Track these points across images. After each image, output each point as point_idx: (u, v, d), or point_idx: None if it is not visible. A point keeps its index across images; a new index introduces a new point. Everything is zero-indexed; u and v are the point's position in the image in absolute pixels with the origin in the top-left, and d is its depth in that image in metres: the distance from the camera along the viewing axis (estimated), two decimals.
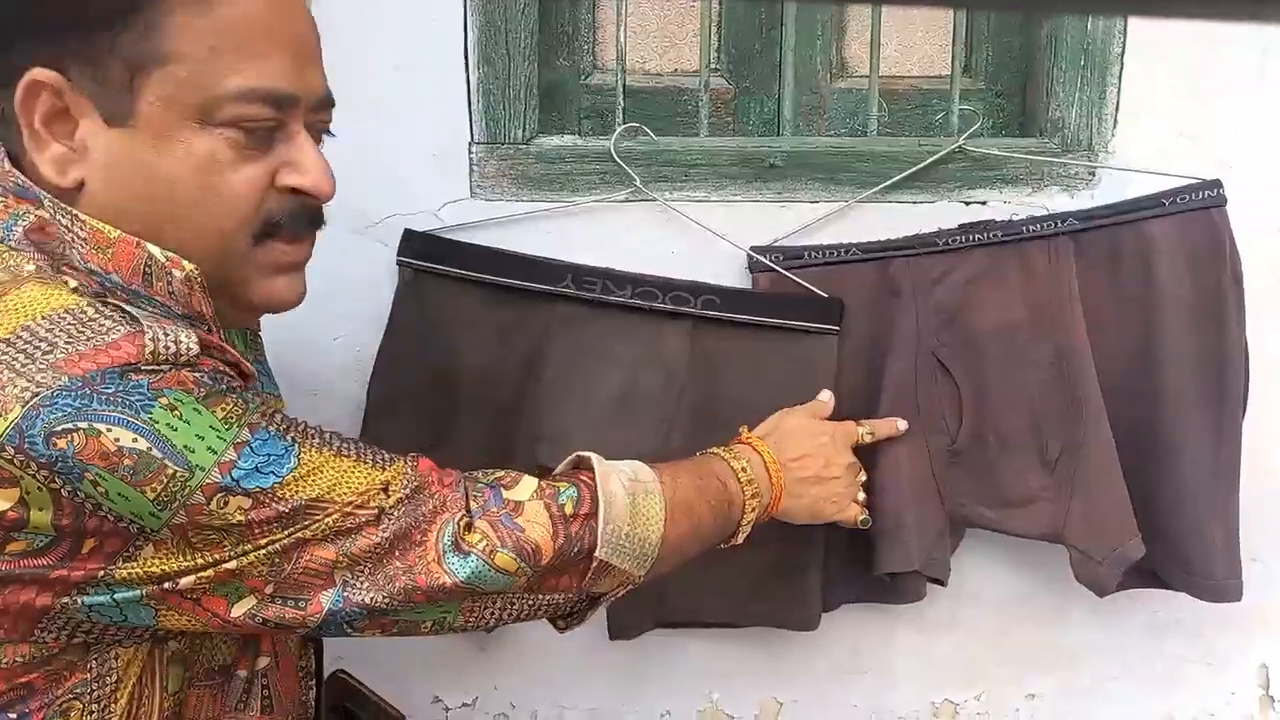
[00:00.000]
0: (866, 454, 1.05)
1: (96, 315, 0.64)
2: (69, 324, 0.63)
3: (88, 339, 0.62)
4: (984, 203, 1.13)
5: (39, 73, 0.67)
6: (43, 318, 0.63)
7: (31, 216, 0.69)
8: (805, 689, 1.21)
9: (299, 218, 0.74)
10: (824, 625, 1.12)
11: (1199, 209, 1.07)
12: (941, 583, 1.11)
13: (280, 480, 0.65)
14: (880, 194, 1.12)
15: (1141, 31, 1.12)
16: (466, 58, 1.09)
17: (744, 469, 0.91)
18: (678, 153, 1.12)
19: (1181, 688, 1.23)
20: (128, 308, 0.65)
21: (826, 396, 1.05)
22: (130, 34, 0.67)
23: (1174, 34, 1.11)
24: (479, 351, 1.09)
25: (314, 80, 0.74)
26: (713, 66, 1.21)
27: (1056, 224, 1.09)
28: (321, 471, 0.67)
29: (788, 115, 1.17)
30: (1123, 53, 1.12)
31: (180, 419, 0.63)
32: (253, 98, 0.69)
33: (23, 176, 0.69)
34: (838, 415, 1.06)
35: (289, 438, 0.67)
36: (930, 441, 1.09)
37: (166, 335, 0.64)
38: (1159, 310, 1.06)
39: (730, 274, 1.13)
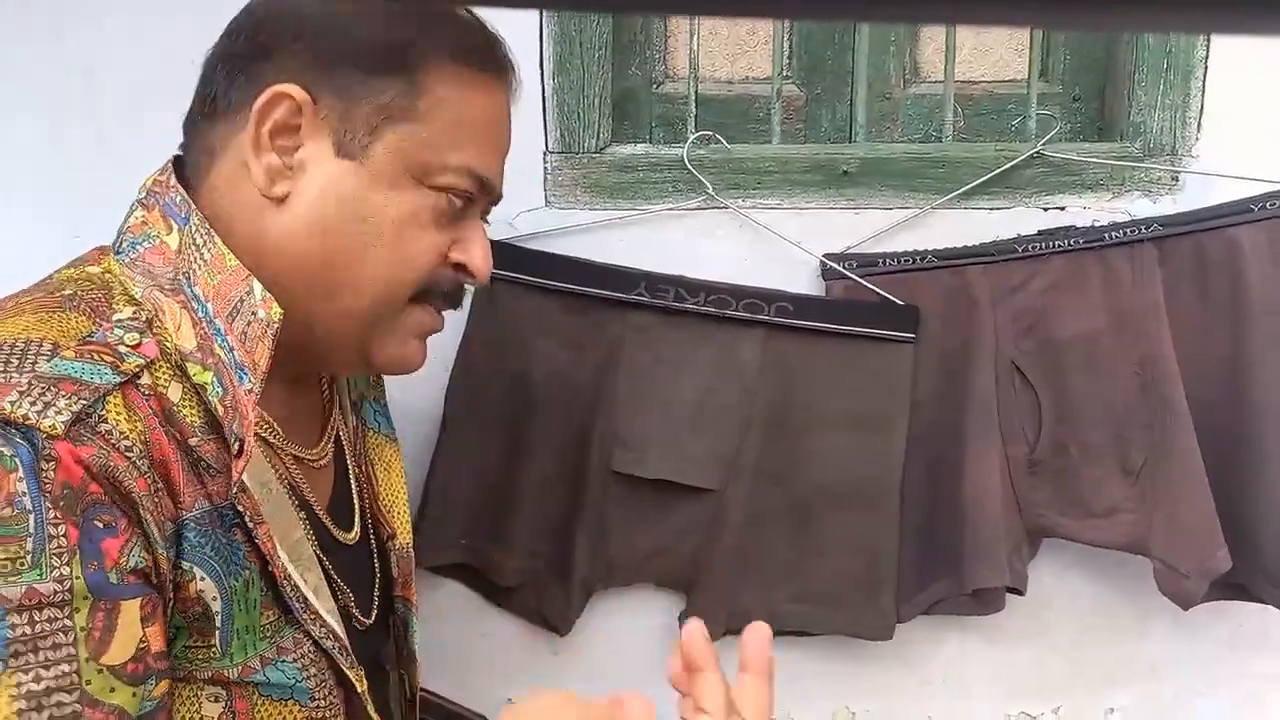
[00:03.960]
0: (950, 467, 1.04)
1: (8, 357, 0.61)
2: None
3: None
4: (1063, 208, 1.12)
5: (290, 87, 0.70)
6: None
7: (159, 240, 0.71)
8: (878, 699, 1.20)
9: (452, 295, 0.79)
10: (898, 635, 1.11)
11: None
12: (1020, 593, 1.09)
13: None
14: (956, 200, 1.11)
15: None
16: (541, 68, 1.10)
17: None
18: (750, 160, 1.12)
19: (1268, 706, 1.20)
20: (73, 363, 0.62)
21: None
22: (392, 85, 0.71)
23: (1260, 38, 1.08)
24: (554, 359, 1.10)
25: (501, 180, 0.80)
26: (785, 73, 1.21)
27: (1139, 230, 1.07)
28: None
29: (861, 121, 1.16)
30: (1207, 55, 1.10)
31: None
32: (468, 174, 0.75)
33: (183, 193, 0.71)
34: (915, 423, 1.05)
35: None
36: (1009, 451, 1.07)
37: (34, 404, 0.59)
38: (1248, 318, 1.04)
39: (803, 282, 1.12)
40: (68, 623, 0.58)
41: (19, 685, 0.56)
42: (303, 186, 0.71)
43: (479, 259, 0.78)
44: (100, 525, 0.59)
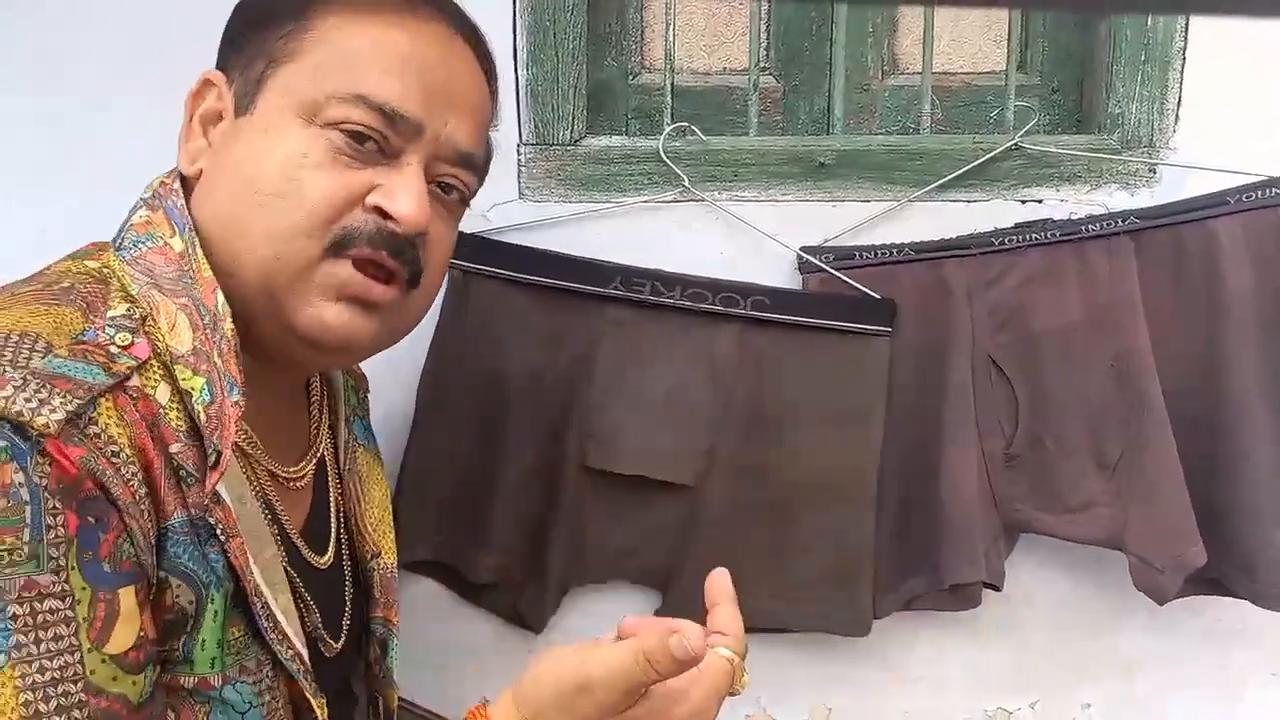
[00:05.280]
0: (927, 462, 1.03)
1: (1, 350, 0.60)
2: None
3: None
4: (1040, 201, 1.11)
5: (210, 72, 0.73)
6: None
7: (163, 241, 0.70)
8: (856, 695, 1.19)
9: (376, 239, 0.70)
10: (875, 631, 1.11)
11: (1265, 207, 1.05)
12: (996, 588, 1.09)
13: None
14: (933, 193, 1.10)
15: (1204, 26, 1.09)
16: (515, 59, 1.09)
17: None
18: (727, 152, 1.11)
19: (1243, 699, 1.20)
20: (66, 362, 0.61)
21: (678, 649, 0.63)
22: (281, 31, 0.70)
23: (1237, 29, 1.08)
24: (528, 353, 1.09)
25: (452, 128, 0.73)
26: (762, 65, 1.19)
27: (1116, 222, 1.06)
28: None
29: (838, 113, 1.15)
30: (1185, 47, 1.09)
31: None
32: (360, 103, 0.69)
33: (181, 199, 0.71)
34: (892, 418, 1.04)
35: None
36: (985, 445, 1.07)
37: (29, 400, 0.58)
38: (1224, 311, 1.04)
39: (780, 275, 1.12)
40: (69, 614, 0.57)
41: (23, 677, 0.56)
42: (212, 157, 0.72)
43: (401, 202, 0.70)
44: (93, 520, 0.59)
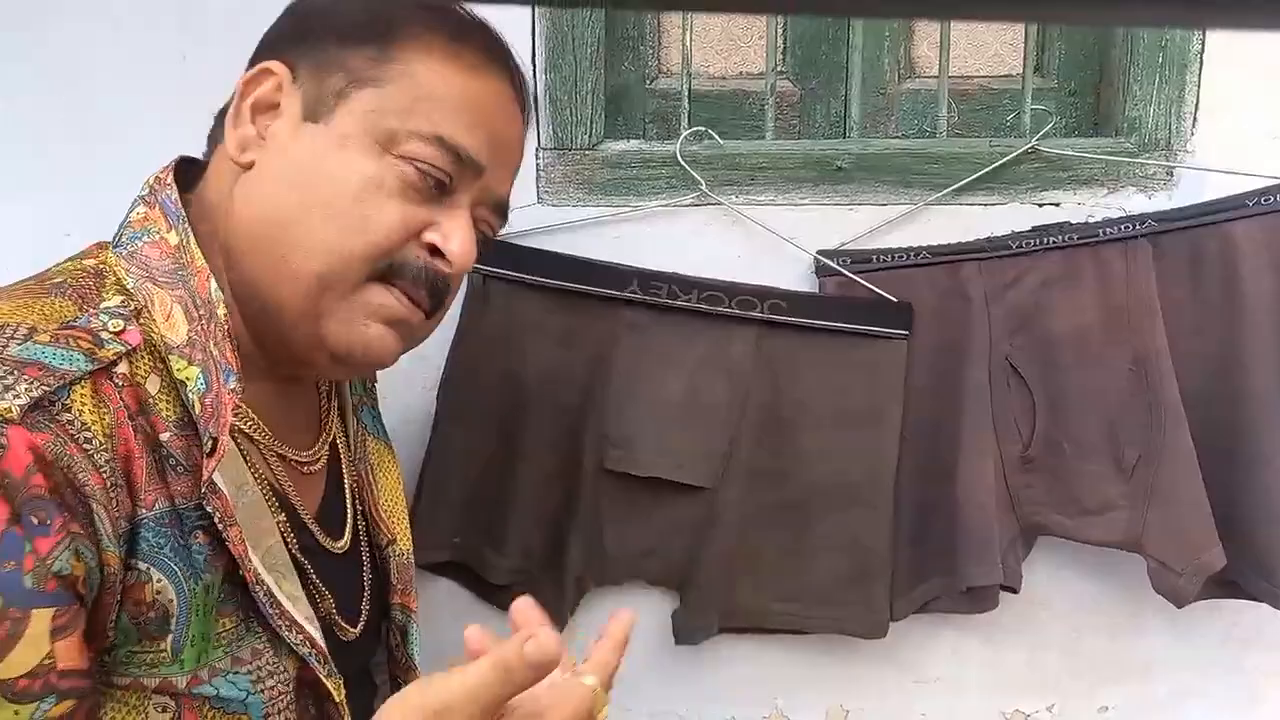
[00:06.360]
0: (944, 465, 1.03)
1: None
2: None
3: None
4: (1058, 204, 1.11)
5: (273, 63, 0.73)
6: None
7: (159, 236, 0.71)
8: (872, 697, 1.20)
9: (421, 278, 0.73)
10: (892, 633, 1.11)
11: None
12: (1014, 591, 1.09)
13: None
14: (950, 196, 1.10)
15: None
16: (534, 64, 1.10)
17: None
18: (744, 156, 1.12)
19: (1262, 703, 1.20)
20: (45, 348, 0.61)
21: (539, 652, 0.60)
22: (364, 52, 0.72)
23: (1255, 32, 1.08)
24: (547, 357, 1.10)
25: (501, 178, 0.77)
26: (779, 69, 1.20)
27: (1134, 226, 1.06)
28: None
29: (855, 117, 1.16)
30: (1202, 49, 1.09)
31: None
32: (438, 144, 0.71)
33: (175, 193, 0.72)
34: (909, 421, 1.04)
35: None
36: (1002, 448, 1.07)
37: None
38: (1242, 314, 1.04)
39: (797, 278, 1.12)
40: None
41: None
42: (270, 152, 0.72)
43: (454, 243, 0.73)
44: (35, 521, 0.56)
